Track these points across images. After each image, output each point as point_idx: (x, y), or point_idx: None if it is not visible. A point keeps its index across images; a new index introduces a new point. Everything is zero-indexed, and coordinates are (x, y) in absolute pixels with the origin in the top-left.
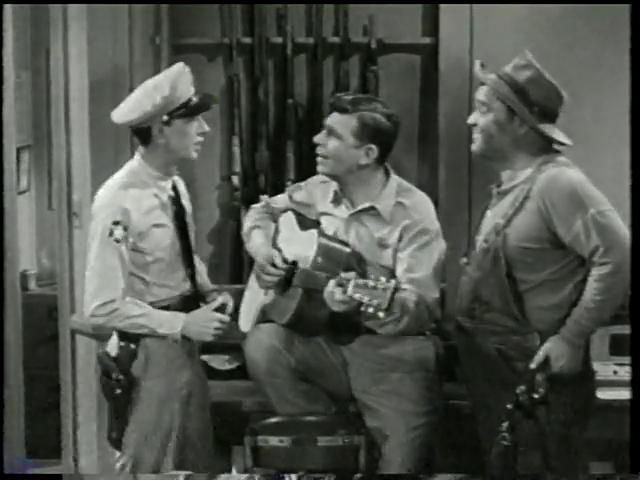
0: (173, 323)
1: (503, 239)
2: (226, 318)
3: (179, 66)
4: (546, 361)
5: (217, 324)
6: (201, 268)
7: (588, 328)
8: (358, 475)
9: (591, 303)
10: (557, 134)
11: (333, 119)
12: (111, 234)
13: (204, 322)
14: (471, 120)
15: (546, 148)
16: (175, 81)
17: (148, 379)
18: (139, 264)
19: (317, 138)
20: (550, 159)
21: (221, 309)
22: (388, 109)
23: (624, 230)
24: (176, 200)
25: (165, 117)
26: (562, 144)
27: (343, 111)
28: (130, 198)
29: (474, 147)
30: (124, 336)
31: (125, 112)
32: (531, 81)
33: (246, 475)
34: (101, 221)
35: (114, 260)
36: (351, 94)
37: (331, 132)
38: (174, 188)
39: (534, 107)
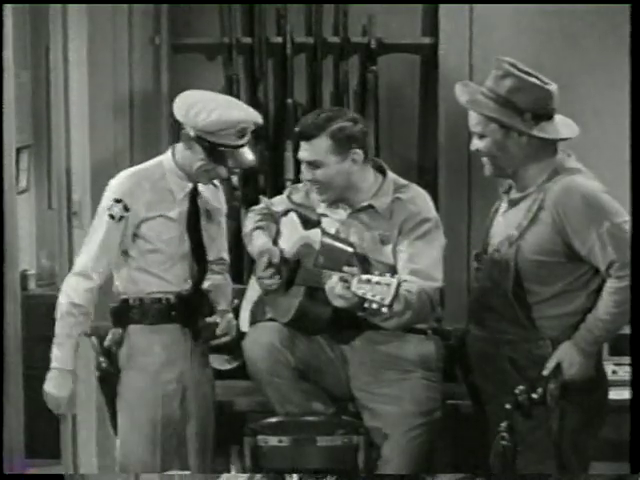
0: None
1: (516, 251)
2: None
3: (249, 114)
4: (558, 368)
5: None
6: (227, 288)
7: (601, 337)
8: (361, 475)
9: (606, 315)
10: (557, 131)
11: (305, 151)
12: (109, 209)
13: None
14: (473, 147)
15: (554, 149)
16: (227, 120)
17: (130, 369)
18: (140, 250)
19: (304, 176)
20: (561, 166)
21: (211, 327)
22: (350, 113)
23: None
24: (193, 201)
25: (193, 134)
26: (565, 140)
27: (310, 137)
28: (142, 183)
29: (486, 172)
30: (117, 321)
31: (179, 103)
32: (514, 89)
33: (246, 475)
34: (105, 199)
35: (102, 233)
36: (311, 115)
37: (311, 164)
38: (194, 190)
39: (525, 114)
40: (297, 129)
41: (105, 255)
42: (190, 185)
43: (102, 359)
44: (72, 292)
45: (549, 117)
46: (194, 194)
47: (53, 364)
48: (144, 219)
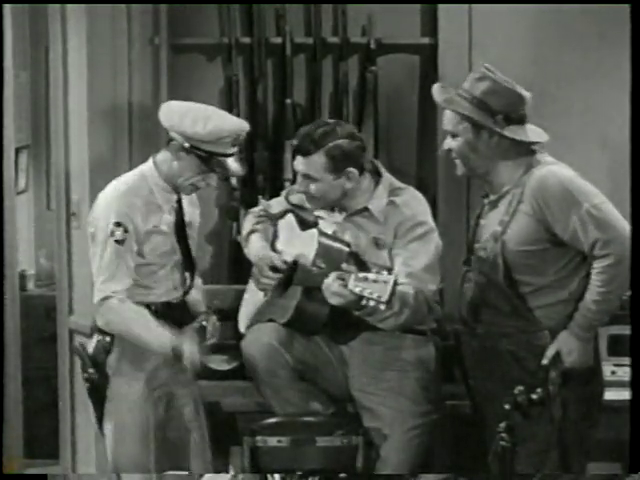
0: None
1: (502, 246)
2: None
3: (242, 123)
4: (557, 357)
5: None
6: (199, 290)
7: (596, 321)
8: (342, 475)
9: (596, 296)
10: (527, 135)
11: (300, 164)
12: (112, 234)
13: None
14: (445, 146)
15: (526, 150)
16: (224, 129)
17: (120, 376)
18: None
19: (297, 187)
20: (535, 161)
21: (200, 331)
22: (347, 128)
23: (621, 221)
24: (178, 211)
25: (187, 144)
26: (534, 144)
27: (307, 153)
28: (132, 202)
29: (457, 171)
30: (101, 329)
31: (167, 113)
32: (489, 91)
33: (229, 475)
34: (103, 223)
35: (115, 258)
36: (309, 129)
37: (306, 177)
38: (179, 201)
39: (497, 115)
40: (294, 142)
41: (127, 273)
42: (175, 197)
43: (91, 370)
44: (128, 299)
45: (520, 122)
46: (179, 205)
47: (173, 342)
48: (142, 235)
